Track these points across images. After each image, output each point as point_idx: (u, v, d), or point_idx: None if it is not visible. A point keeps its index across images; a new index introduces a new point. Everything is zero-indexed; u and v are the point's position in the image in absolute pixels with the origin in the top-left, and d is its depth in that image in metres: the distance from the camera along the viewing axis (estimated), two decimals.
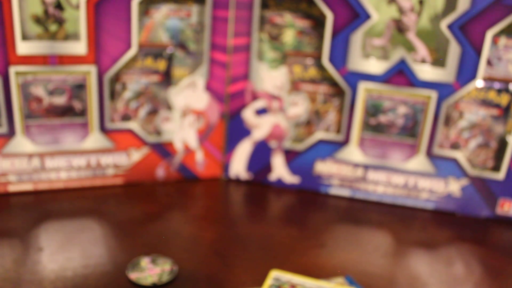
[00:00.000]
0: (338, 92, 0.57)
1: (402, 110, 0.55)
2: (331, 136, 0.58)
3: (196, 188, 0.60)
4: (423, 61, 0.54)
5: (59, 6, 0.51)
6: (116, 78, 0.54)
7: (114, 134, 0.55)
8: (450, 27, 0.51)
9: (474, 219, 0.57)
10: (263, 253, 0.47)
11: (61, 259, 0.44)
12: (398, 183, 0.58)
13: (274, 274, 0.42)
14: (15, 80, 0.50)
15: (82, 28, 0.50)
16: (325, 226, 0.53)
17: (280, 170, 0.60)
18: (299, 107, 0.58)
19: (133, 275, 0.42)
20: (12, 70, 0.50)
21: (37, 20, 0.51)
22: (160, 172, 0.59)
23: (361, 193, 0.59)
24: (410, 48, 0.54)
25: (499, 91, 0.53)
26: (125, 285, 0.42)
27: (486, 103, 0.54)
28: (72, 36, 0.51)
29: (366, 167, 0.58)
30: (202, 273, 0.44)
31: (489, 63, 0.52)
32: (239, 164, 0.61)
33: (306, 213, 0.55)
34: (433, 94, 0.53)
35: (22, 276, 0.42)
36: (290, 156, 0.59)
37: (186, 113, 0.57)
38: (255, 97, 0.58)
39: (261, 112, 0.58)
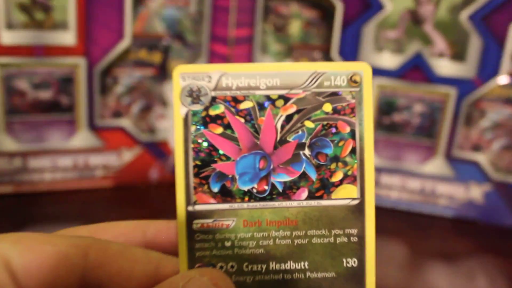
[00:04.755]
0: None
1: (418, 108, 0.54)
2: None
3: None
4: (441, 55, 0.52)
5: None
6: (107, 72, 0.53)
7: (104, 132, 0.54)
8: (471, 18, 0.49)
9: (498, 228, 0.55)
10: None
11: None
12: (414, 188, 0.56)
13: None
14: None
15: (71, 17, 0.49)
16: None
17: None
18: None
19: None
20: None
21: (23, 8, 0.50)
22: (154, 174, 0.57)
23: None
24: (427, 41, 0.53)
25: None
26: None
27: (510, 101, 0.52)
28: (60, 25, 0.50)
29: (379, 170, 0.56)
30: None
31: None
32: None
33: None
34: (452, 91, 0.52)
35: None
36: None
37: None
38: None
39: None
